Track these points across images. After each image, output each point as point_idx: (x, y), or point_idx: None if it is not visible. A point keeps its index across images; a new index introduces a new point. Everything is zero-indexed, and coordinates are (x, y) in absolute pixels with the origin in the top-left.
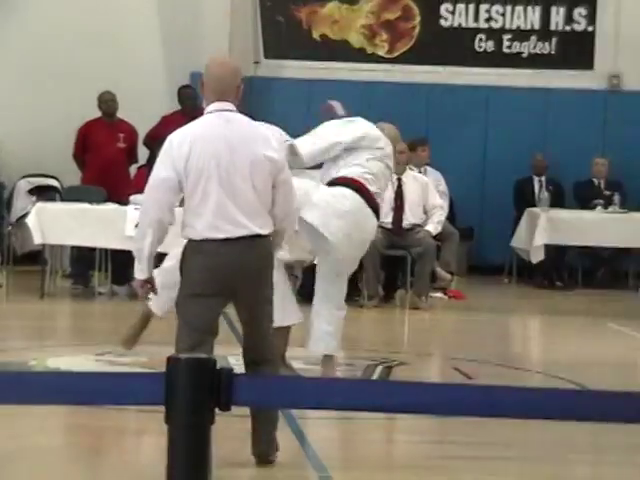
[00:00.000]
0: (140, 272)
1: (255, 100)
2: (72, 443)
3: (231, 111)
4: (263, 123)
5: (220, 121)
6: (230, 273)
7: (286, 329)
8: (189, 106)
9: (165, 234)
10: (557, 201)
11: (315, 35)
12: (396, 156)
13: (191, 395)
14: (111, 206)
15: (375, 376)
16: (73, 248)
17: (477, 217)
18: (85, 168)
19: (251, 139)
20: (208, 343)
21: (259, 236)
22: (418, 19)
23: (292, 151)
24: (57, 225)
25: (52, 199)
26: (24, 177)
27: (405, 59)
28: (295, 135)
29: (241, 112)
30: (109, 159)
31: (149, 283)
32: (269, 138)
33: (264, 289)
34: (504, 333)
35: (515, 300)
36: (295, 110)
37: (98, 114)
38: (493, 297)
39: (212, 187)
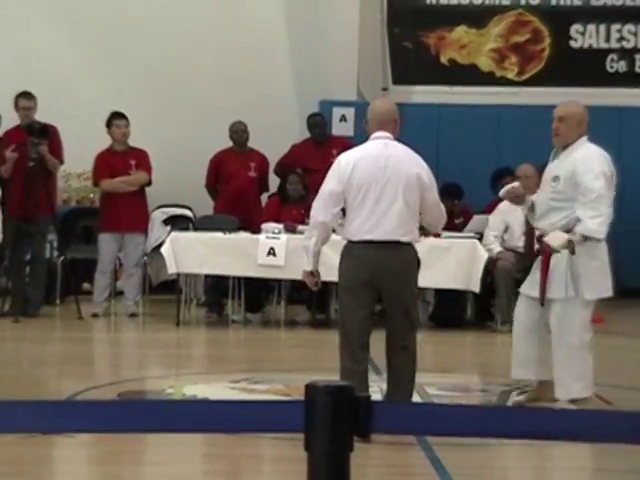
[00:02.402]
0: (307, 265)
1: None
2: (212, 471)
3: (389, 139)
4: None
5: (379, 145)
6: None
7: None
8: (318, 134)
9: (328, 236)
10: None
11: (443, 60)
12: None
13: (330, 423)
14: (243, 235)
15: (510, 402)
16: (207, 277)
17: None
18: (217, 197)
19: (405, 160)
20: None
21: (400, 243)
22: (548, 41)
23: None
24: (191, 254)
25: (186, 229)
26: (159, 207)
27: (535, 82)
28: (425, 159)
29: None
30: (241, 188)
31: (313, 274)
32: (420, 160)
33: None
34: None
35: None
36: (425, 135)
37: (229, 144)
38: (633, 321)
39: (370, 198)
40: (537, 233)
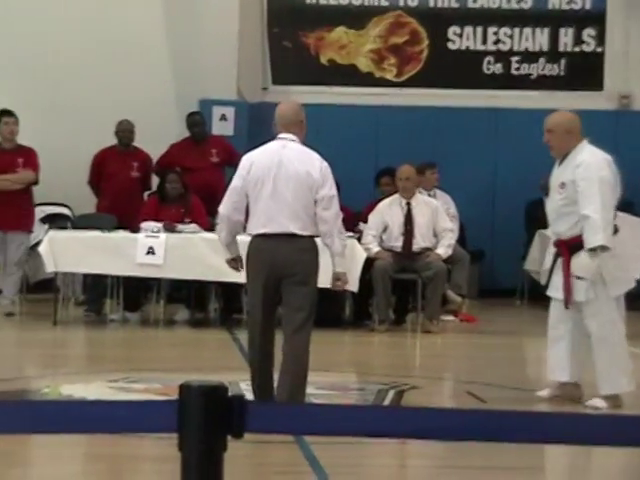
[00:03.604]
0: (227, 254)
1: (264, 126)
2: (87, 471)
3: (292, 140)
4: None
5: (278, 145)
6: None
7: None
8: (197, 132)
9: (235, 228)
10: None
11: (323, 60)
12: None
13: (203, 422)
14: (122, 233)
15: (387, 401)
16: (85, 276)
17: (488, 240)
18: (100, 196)
19: (298, 158)
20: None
21: (296, 235)
22: (426, 42)
23: None
24: (69, 253)
25: (64, 227)
26: (37, 205)
27: (413, 82)
28: None
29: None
30: (123, 188)
31: (235, 260)
32: (314, 159)
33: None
34: (516, 356)
35: (527, 323)
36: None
37: (109, 142)
38: (505, 320)
39: (263, 193)
40: (554, 238)
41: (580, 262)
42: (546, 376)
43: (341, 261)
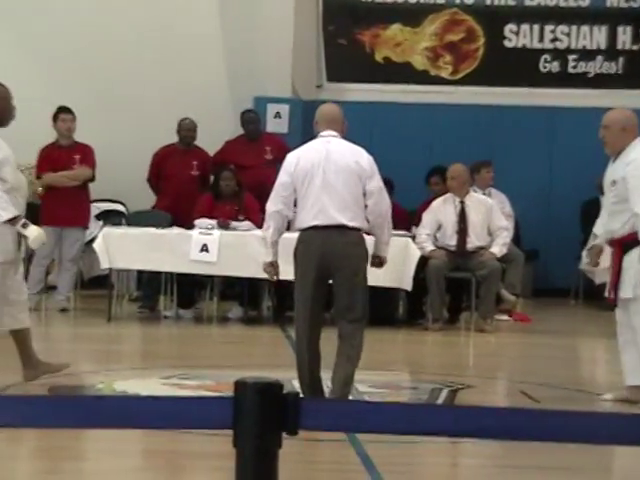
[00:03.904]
0: (266, 256)
1: None
2: (141, 467)
3: (335, 137)
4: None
5: (323, 141)
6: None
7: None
8: (251, 130)
9: (283, 225)
10: None
11: (378, 58)
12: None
13: (259, 419)
14: (176, 230)
15: (440, 400)
16: (140, 272)
17: (543, 239)
18: (158, 194)
19: (345, 151)
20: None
21: (346, 227)
22: (482, 40)
23: None
24: (123, 249)
25: (119, 224)
26: (92, 202)
27: (469, 80)
28: None
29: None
30: (182, 187)
31: (273, 265)
32: (362, 152)
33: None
34: (570, 356)
35: (582, 322)
36: (358, 133)
37: (164, 139)
38: (559, 320)
39: (313, 186)
40: (607, 237)
41: (632, 259)
42: (614, 379)
43: (386, 248)
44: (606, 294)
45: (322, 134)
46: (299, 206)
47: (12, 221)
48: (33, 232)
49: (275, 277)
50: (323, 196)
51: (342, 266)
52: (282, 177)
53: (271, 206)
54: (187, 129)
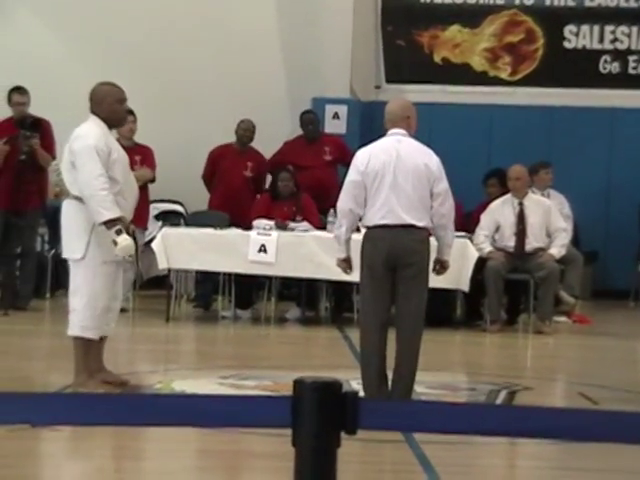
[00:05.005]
0: (340, 253)
1: (376, 124)
2: (199, 466)
3: (403, 135)
4: None
5: (392, 140)
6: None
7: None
8: (310, 131)
9: (355, 223)
10: None
11: (437, 59)
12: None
13: (318, 418)
14: (234, 231)
15: (499, 401)
16: (198, 273)
17: (602, 240)
18: (212, 192)
19: (414, 151)
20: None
21: (414, 226)
22: (541, 41)
23: None
24: (181, 250)
25: (177, 224)
26: (151, 202)
27: (528, 82)
28: None
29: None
30: (234, 187)
31: (346, 261)
32: (430, 153)
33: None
34: (630, 358)
35: None
36: (417, 134)
37: (223, 140)
38: (618, 321)
39: (383, 186)
40: None
41: None
42: None
43: (449, 251)
44: None
45: (390, 132)
46: (368, 204)
47: (109, 223)
48: (123, 241)
49: (349, 271)
50: (392, 197)
51: (408, 262)
52: (352, 175)
53: (343, 205)
54: (244, 129)
